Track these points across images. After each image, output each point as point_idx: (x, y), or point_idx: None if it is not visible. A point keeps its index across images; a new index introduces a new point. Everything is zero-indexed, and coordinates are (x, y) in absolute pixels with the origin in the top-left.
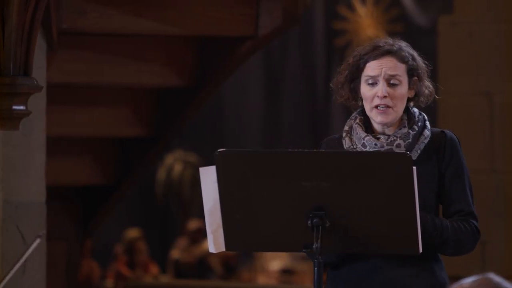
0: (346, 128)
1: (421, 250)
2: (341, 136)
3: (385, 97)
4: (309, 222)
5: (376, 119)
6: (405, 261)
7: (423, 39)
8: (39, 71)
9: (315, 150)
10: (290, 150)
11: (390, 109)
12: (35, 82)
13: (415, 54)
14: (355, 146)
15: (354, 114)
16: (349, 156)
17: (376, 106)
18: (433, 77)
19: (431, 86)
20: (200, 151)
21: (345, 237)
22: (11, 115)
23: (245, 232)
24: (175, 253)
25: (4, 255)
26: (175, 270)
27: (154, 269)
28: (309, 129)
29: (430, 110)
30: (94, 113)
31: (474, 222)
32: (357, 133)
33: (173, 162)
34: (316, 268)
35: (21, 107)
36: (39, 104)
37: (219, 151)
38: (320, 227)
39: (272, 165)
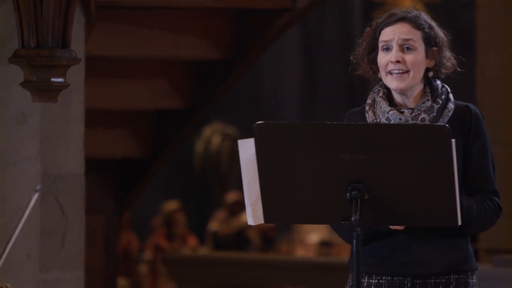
0: (369, 101)
1: (460, 223)
2: (364, 109)
3: (398, 62)
4: (347, 194)
5: (391, 85)
6: (429, 237)
7: (461, 12)
8: (77, 44)
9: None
10: (328, 122)
11: (405, 74)
12: (74, 55)
13: (433, 24)
14: (378, 120)
15: (377, 87)
16: (388, 128)
17: (390, 72)
18: (471, 49)
19: (452, 58)
20: (238, 124)
21: (384, 209)
22: (50, 88)
23: (283, 204)
24: (214, 226)
25: (43, 227)
26: (214, 242)
27: (192, 241)
28: (347, 102)
29: (468, 83)
30: (131, 85)
31: (497, 199)
32: (381, 107)
33: (211, 135)
34: (354, 241)
35: (60, 80)
36: (78, 76)
37: (258, 124)
38: (359, 200)
39: (310, 137)
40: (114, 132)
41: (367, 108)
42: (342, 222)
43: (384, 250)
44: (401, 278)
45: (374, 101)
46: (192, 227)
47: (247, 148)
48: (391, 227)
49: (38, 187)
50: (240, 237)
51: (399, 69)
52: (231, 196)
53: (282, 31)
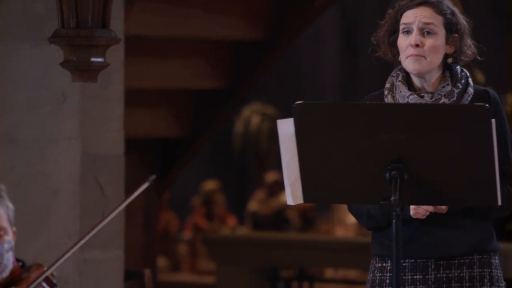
0: (387, 85)
1: (500, 203)
2: (382, 93)
3: (417, 45)
4: (387, 174)
5: (409, 67)
6: (452, 219)
7: None
8: (117, 24)
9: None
10: (368, 102)
11: (422, 58)
12: (113, 34)
13: (456, 10)
14: None
15: (395, 71)
16: (428, 108)
17: (409, 55)
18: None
19: (473, 46)
20: (278, 104)
21: (423, 189)
22: (89, 67)
23: (322, 184)
24: (253, 205)
25: (83, 206)
26: (253, 222)
27: (231, 221)
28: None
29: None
30: (170, 65)
31: None
32: (400, 91)
33: (251, 115)
34: (394, 221)
35: (99, 59)
36: (117, 56)
37: (297, 103)
38: (398, 180)
39: (350, 117)
40: (154, 112)
41: (386, 92)
42: (381, 203)
43: (407, 233)
44: (424, 260)
45: (393, 85)
46: (232, 207)
47: (286, 128)
48: (433, 210)
49: (153, 176)
50: (279, 217)
51: (417, 54)
52: (270, 176)
53: (321, 10)
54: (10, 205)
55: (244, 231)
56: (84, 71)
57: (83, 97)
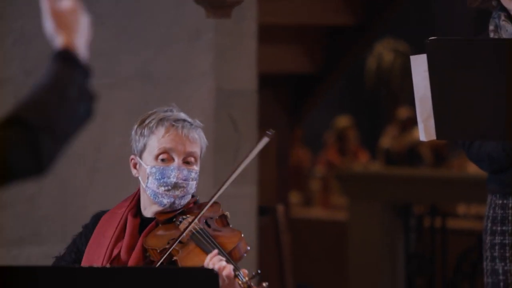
0: (491, 27)
1: None
2: (488, 35)
3: None
4: None
5: (509, 5)
6: None
7: None
8: None
9: None
10: (502, 38)
11: None
12: None
13: None
14: None
15: (496, 12)
16: None
17: None
18: None
19: None
20: (410, 40)
21: None
22: (223, 3)
23: (455, 121)
24: (385, 141)
25: (216, 141)
26: (385, 158)
27: (364, 157)
28: None
29: None
30: (303, 1)
31: None
32: (507, 30)
33: (383, 51)
34: None
35: None
36: None
37: (431, 39)
38: None
39: (483, 53)
40: (287, 48)
41: (492, 34)
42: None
43: None
44: None
45: (496, 26)
46: (364, 143)
47: (419, 64)
48: None
49: (270, 131)
50: (412, 153)
51: None
52: (403, 112)
53: None
54: (205, 140)
55: (376, 167)
56: (218, 8)
57: (217, 33)
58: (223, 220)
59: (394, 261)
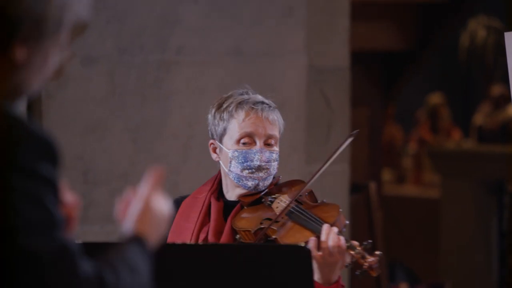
0: None
1: None
2: None
3: None
4: None
5: None
6: None
7: None
8: None
9: None
10: None
11: None
12: None
13: None
14: None
15: None
16: None
17: None
18: None
19: None
20: (504, 16)
21: None
22: None
23: None
24: (478, 119)
25: (309, 118)
26: (478, 135)
27: (456, 134)
28: None
29: None
30: None
31: None
32: None
33: (476, 28)
34: None
35: None
36: None
37: None
38: None
39: None
40: (379, 25)
41: None
42: None
43: None
44: None
45: None
46: (456, 120)
47: None
48: None
49: (356, 131)
50: (505, 130)
51: None
52: (496, 89)
53: None
54: (282, 121)
55: (469, 144)
56: None
57: (309, 10)
58: (312, 197)
59: (487, 239)
